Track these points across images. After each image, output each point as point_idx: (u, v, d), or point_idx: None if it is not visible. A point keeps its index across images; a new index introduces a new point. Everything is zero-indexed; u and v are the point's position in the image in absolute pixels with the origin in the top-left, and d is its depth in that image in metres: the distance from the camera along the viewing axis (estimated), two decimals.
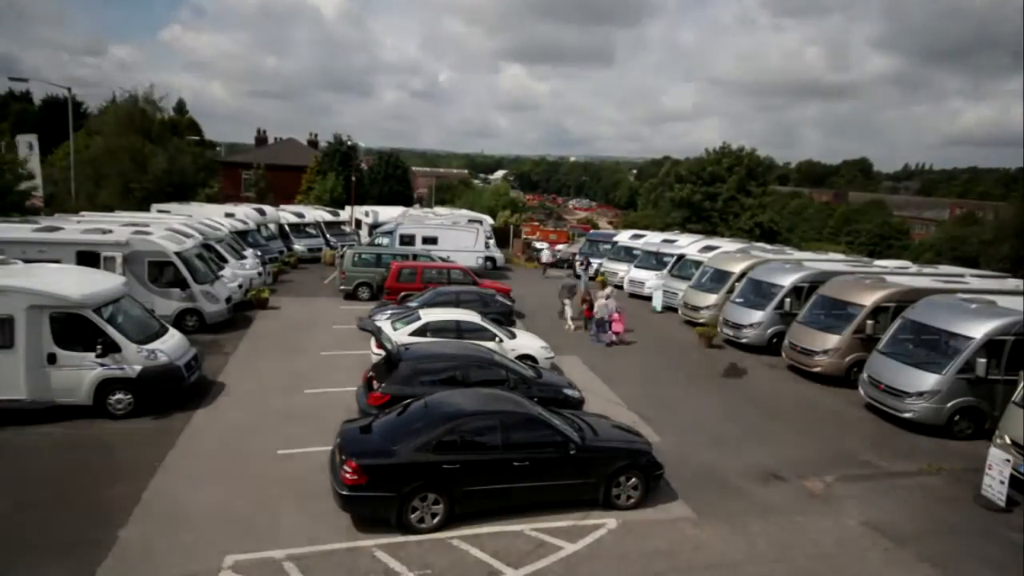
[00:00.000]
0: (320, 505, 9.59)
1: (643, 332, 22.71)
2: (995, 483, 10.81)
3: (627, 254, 31.67)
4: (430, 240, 30.00)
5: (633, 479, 10.12)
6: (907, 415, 14.21)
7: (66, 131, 37.76)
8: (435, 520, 9.19)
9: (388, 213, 37.96)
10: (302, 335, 19.49)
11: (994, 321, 13.94)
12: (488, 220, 38.96)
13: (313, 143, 63.35)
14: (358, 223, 38.99)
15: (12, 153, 30.84)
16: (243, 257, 24.89)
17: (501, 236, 41.64)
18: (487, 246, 33.00)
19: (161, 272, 18.62)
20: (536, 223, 55.44)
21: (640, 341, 21.41)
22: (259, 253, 27.44)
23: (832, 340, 17.39)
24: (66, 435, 11.86)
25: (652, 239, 31.44)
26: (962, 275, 20.85)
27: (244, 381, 15.22)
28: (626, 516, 9.90)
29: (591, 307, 21.55)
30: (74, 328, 12.41)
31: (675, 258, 27.84)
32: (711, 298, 23.09)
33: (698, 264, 25.60)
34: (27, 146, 33.00)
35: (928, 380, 14.05)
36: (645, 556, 8.89)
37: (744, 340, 20.48)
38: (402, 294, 21.42)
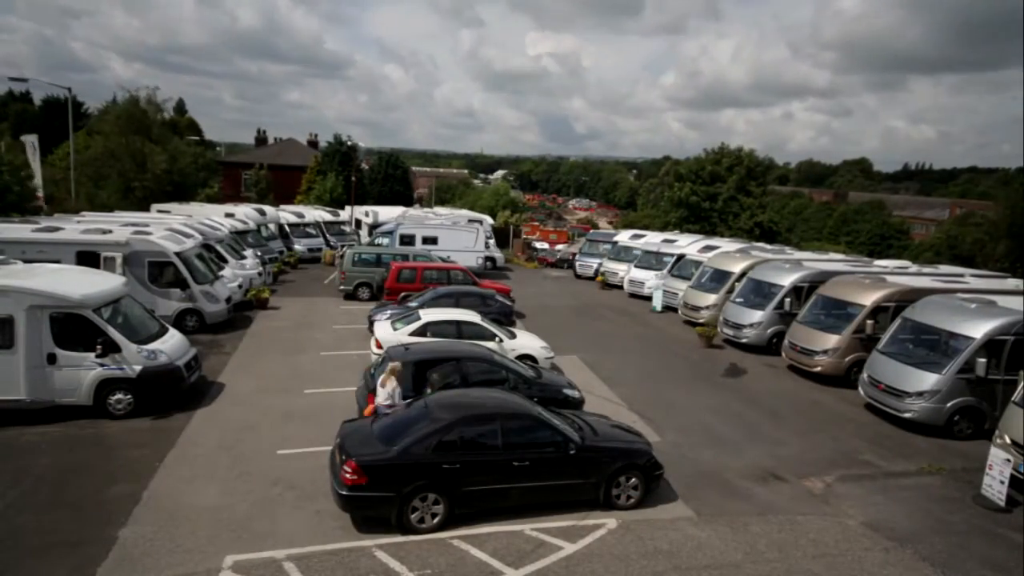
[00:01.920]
0: (320, 505, 9.61)
1: (643, 332, 22.72)
2: (995, 483, 10.82)
3: (627, 254, 31.70)
4: (430, 240, 30.03)
5: (633, 479, 10.12)
6: (907, 415, 14.21)
7: (66, 131, 37.77)
8: (435, 520, 9.19)
9: (388, 213, 37.95)
10: (302, 335, 19.51)
11: (994, 321, 13.94)
12: (488, 220, 38.99)
13: (313, 143, 63.56)
14: (358, 223, 39.01)
15: (11, 153, 30.82)
16: (243, 257, 24.91)
17: (501, 236, 41.69)
18: (487, 246, 33.07)
19: (161, 272, 18.63)
20: (536, 223, 55.59)
21: (640, 341, 21.42)
22: (259, 253, 27.49)
23: (832, 340, 17.39)
24: (66, 435, 11.86)
25: (652, 239, 31.47)
26: (962, 275, 20.83)
27: (244, 381, 15.23)
28: (626, 516, 9.90)
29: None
30: (74, 328, 12.41)
31: (675, 258, 27.89)
32: (711, 298, 23.10)
33: (698, 264, 25.61)
34: (30, 147, 32.95)
35: (928, 380, 14.05)
36: (645, 556, 8.88)
37: (744, 340, 20.48)
38: (402, 294, 21.43)
